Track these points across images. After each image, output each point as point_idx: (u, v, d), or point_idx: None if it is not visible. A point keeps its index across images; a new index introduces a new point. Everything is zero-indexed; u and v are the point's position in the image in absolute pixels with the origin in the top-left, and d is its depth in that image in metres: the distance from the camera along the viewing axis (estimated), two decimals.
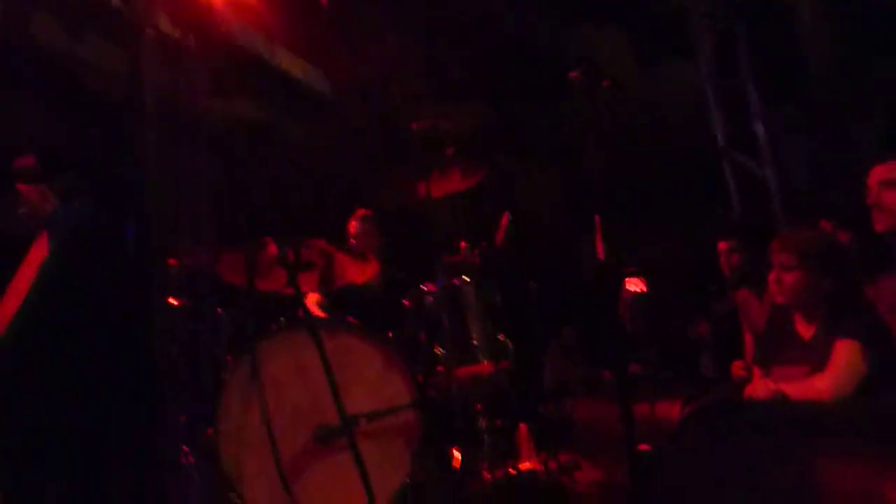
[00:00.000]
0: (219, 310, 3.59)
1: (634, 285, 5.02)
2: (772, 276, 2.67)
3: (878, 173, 2.91)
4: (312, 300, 3.94)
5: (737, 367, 3.70)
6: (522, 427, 3.60)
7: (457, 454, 3.32)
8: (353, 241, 4.13)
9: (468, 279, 3.48)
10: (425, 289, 3.47)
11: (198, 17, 1.43)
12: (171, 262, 3.41)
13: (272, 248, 3.20)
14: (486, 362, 3.34)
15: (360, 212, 4.21)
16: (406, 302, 3.52)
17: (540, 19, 4.88)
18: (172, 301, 3.36)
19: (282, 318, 3.06)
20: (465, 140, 4.07)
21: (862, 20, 5.04)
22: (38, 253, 1.87)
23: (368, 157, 4.52)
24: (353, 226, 4.17)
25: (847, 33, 5.15)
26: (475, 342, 3.34)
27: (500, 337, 3.44)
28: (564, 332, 5.19)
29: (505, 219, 4.09)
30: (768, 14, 5.29)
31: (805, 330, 2.64)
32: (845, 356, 2.39)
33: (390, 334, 3.27)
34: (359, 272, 3.49)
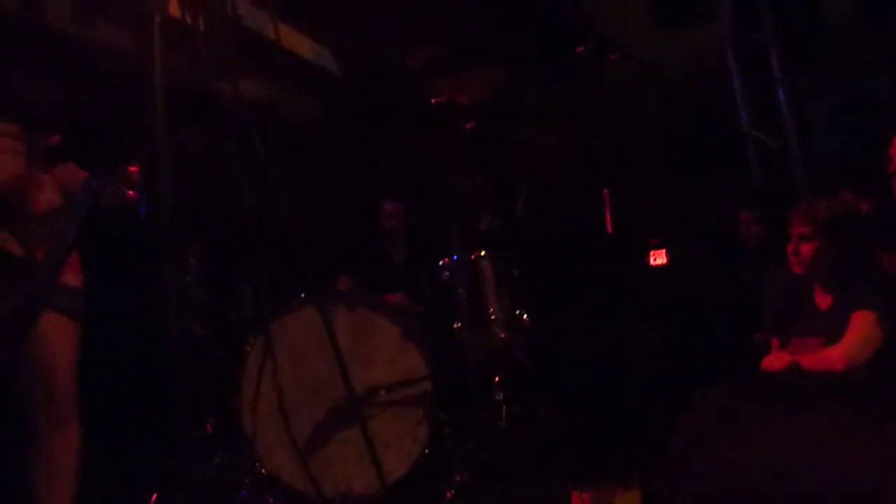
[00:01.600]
0: (241, 284, 3.66)
1: (657, 257, 5.00)
2: (790, 248, 2.65)
3: None
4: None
5: (757, 338, 3.70)
6: (539, 397, 3.65)
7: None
8: (386, 222, 4.05)
9: (484, 253, 3.50)
10: (442, 263, 3.50)
11: (208, 1, 1.46)
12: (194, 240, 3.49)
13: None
14: (503, 335, 3.38)
15: (392, 202, 4.10)
16: (423, 276, 3.56)
17: None
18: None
19: (302, 294, 3.12)
20: (484, 112, 4.05)
21: None
22: None
23: (384, 133, 4.52)
24: (388, 209, 4.05)
25: None
26: (493, 316, 3.37)
27: (518, 311, 3.47)
28: (584, 302, 5.20)
29: (523, 191, 4.09)
30: None
31: (823, 300, 2.63)
32: (860, 326, 2.38)
33: (417, 307, 3.32)
34: None
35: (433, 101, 3.92)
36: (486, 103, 4.24)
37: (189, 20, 1.39)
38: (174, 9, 1.43)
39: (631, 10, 5.23)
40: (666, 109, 5.02)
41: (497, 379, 3.44)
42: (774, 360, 2.54)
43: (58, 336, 2.06)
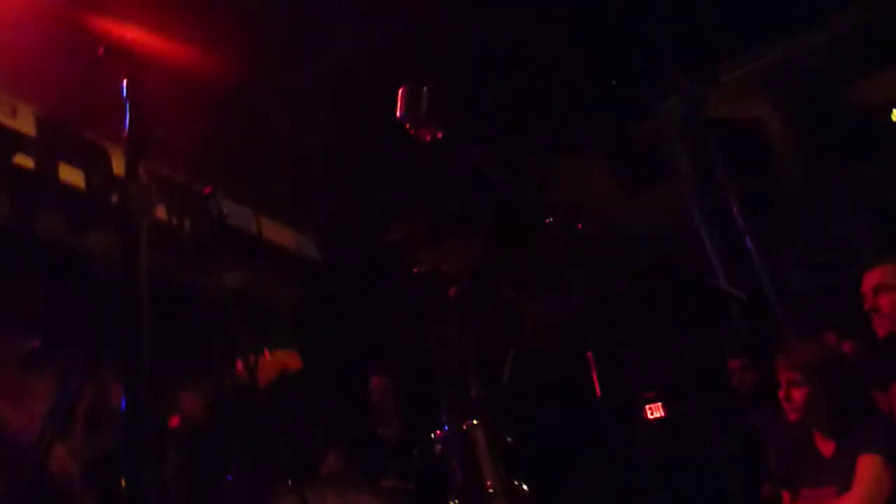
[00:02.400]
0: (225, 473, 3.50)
1: (654, 410, 4.91)
2: (781, 394, 2.63)
3: (870, 279, 2.93)
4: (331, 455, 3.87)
5: (766, 491, 3.55)
6: None
7: None
8: (374, 396, 4.08)
9: (477, 421, 3.41)
10: (434, 436, 3.39)
11: (192, 203, 1.54)
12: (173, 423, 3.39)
13: None
14: None
15: (379, 376, 4.17)
16: (415, 451, 3.44)
17: (523, 152, 5.11)
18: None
19: (288, 481, 2.98)
20: (465, 279, 4.14)
21: (828, 127, 5.32)
22: None
23: (368, 309, 4.60)
24: (375, 383, 4.10)
25: (815, 140, 5.41)
26: (490, 489, 3.22)
27: (516, 481, 3.31)
28: (583, 467, 5.00)
29: (511, 356, 4.08)
30: (740, 132, 5.56)
31: (825, 446, 2.57)
32: (869, 473, 2.31)
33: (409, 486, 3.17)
34: None
35: (414, 271, 4.03)
36: (467, 270, 4.36)
37: (175, 222, 1.47)
38: (161, 212, 1.52)
39: (596, 177, 5.58)
40: (639, 267, 5.18)
41: None
42: None
43: None
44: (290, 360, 3.11)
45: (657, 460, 4.72)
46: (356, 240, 4.75)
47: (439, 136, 2.48)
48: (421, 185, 4.85)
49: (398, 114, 2.47)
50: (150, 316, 1.32)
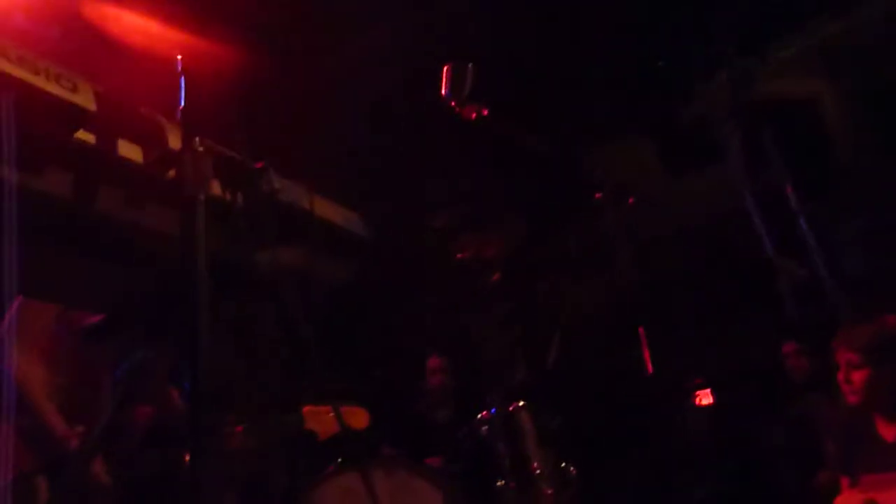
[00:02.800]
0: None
1: (702, 397, 4.83)
2: (840, 376, 2.55)
3: None
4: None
5: (823, 477, 3.45)
6: None
7: None
8: (431, 378, 4.08)
9: (523, 404, 3.40)
10: (480, 417, 3.40)
11: (246, 180, 1.56)
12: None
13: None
14: (549, 491, 3.19)
15: (436, 357, 4.16)
16: (461, 433, 3.45)
17: (568, 136, 5.04)
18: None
19: (339, 459, 3.02)
20: (509, 264, 4.13)
21: (885, 105, 5.11)
22: None
23: (415, 291, 4.62)
24: (432, 364, 4.09)
25: (872, 120, 5.21)
26: (537, 470, 3.20)
27: (563, 463, 3.29)
28: (631, 452, 4.95)
29: (557, 340, 4.05)
30: (792, 111, 5.39)
31: (887, 430, 2.48)
32: None
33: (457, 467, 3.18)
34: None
35: (459, 256, 4.02)
36: (512, 255, 4.34)
37: (229, 197, 1.49)
38: (216, 188, 1.53)
39: (644, 161, 5.48)
40: (689, 251, 5.08)
41: None
42: (849, 501, 2.35)
43: None
44: (356, 418, 3.09)
45: (706, 448, 4.64)
46: (402, 224, 4.77)
47: (484, 113, 2.47)
48: (465, 168, 4.84)
49: (443, 92, 2.46)
50: (208, 290, 1.34)
